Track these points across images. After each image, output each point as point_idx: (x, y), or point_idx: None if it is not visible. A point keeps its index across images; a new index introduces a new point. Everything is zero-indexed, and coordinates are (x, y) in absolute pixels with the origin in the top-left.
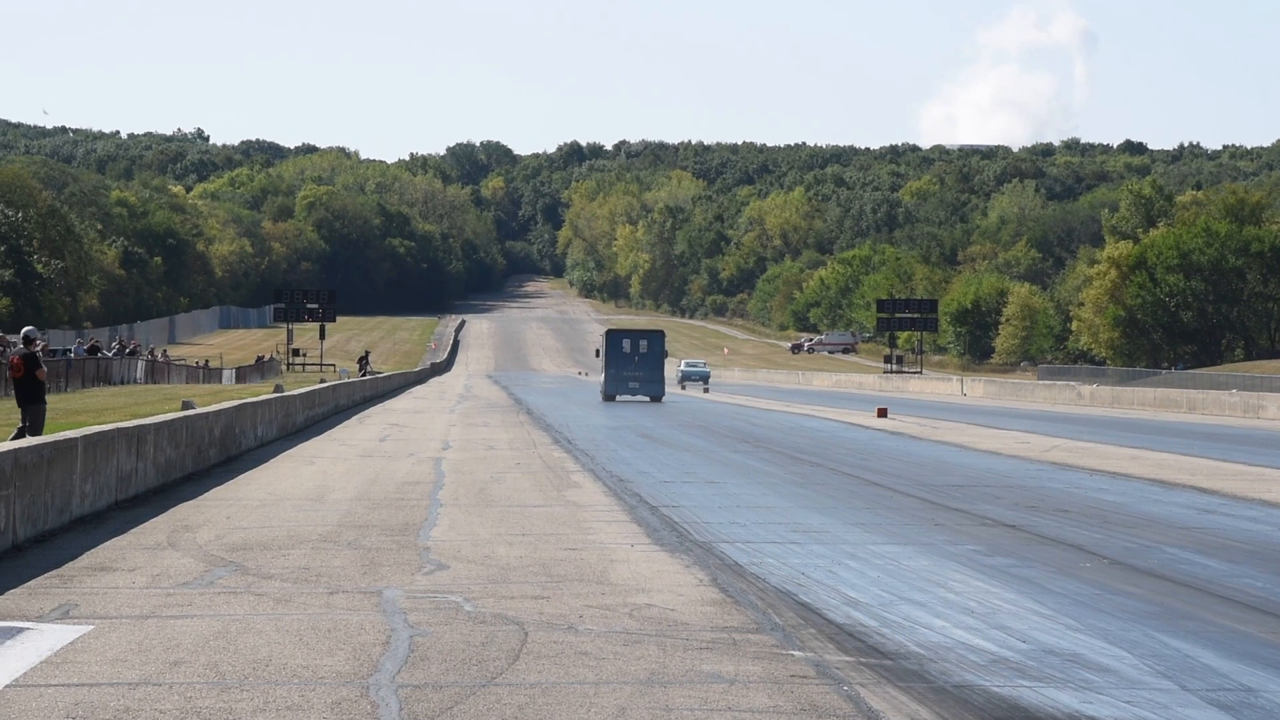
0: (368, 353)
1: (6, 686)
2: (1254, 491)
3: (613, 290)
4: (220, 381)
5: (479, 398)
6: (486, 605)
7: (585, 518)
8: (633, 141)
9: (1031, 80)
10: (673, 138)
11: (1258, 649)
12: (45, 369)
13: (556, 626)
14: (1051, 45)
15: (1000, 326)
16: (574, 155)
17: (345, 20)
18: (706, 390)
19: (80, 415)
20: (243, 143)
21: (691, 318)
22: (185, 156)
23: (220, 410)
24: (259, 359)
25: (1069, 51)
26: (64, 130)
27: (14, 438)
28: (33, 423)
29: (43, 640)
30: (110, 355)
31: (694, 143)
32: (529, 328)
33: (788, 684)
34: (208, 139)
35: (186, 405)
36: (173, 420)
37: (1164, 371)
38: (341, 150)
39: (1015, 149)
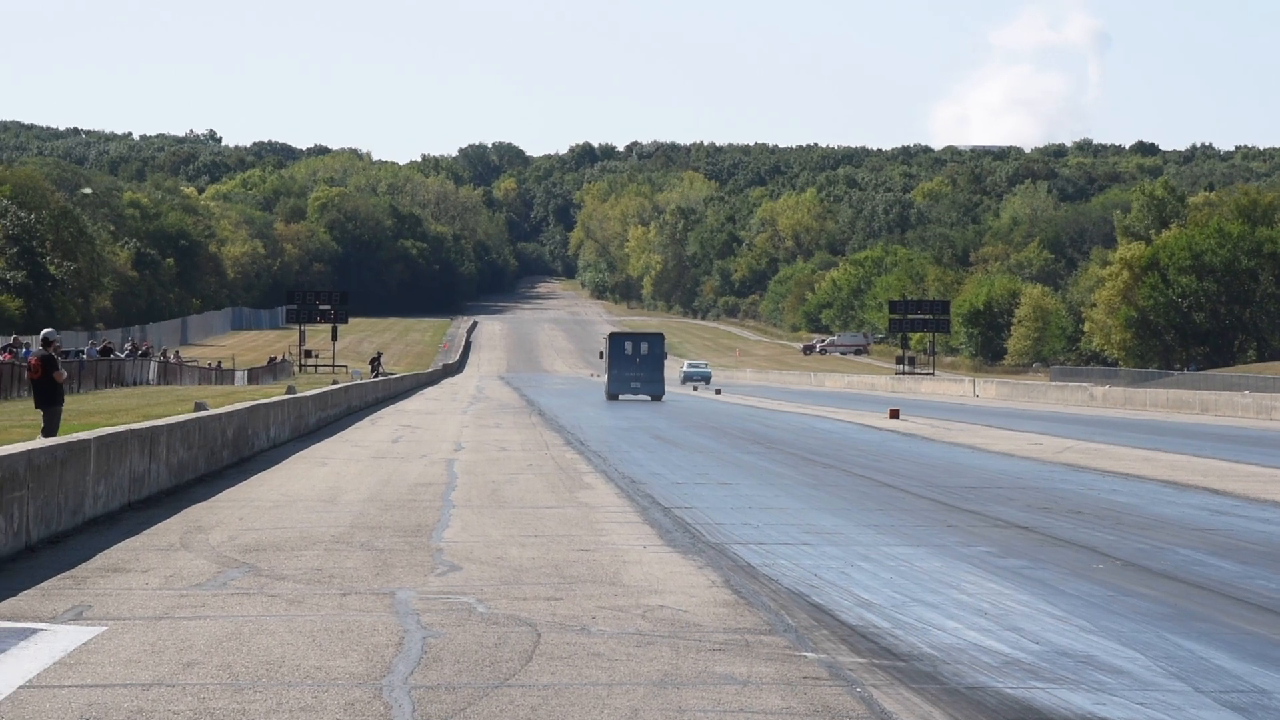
0: (380, 354)
1: (20, 688)
2: (1267, 493)
3: (625, 291)
4: (232, 383)
5: (491, 399)
6: (499, 606)
7: (598, 519)
8: (645, 143)
9: (1044, 81)
10: (685, 139)
11: (1271, 650)
12: (64, 372)
13: (569, 628)
14: (1064, 46)
15: (1012, 328)
16: (586, 156)
17: (357, 22)
18: (718, 392)
19: (93, 416)
20: (255, 144)
21: (703, 319)
22: (198, 158)
23: (233, 411)
24: (271, 360)
25: (1081, 52)
26: (76, 132)
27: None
28: (47, 424)
29: (56, 641)
30: (123, 357)
31: (706, 144)
32: (541, 329)
33: (801, 685)
34: (220, 140)
35: (199, 406)
36: (185, 421)
37: (1176, 373)
38: (354, 151)
39: (1027, 150)
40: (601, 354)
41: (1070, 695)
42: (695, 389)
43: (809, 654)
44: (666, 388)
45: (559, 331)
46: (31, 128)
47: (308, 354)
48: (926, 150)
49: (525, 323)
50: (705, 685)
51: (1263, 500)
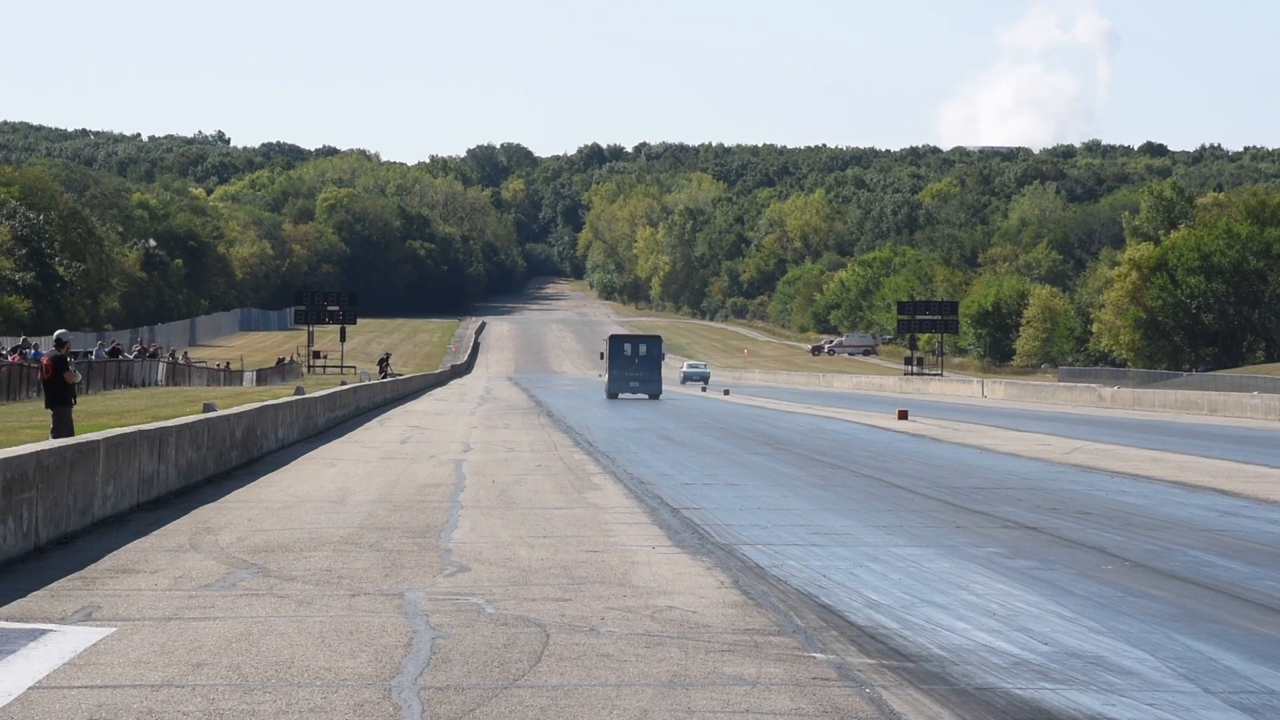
0: (388, 355)
1: (30, 688)
2: (1276, 494)
3: (633, 292)
4: (241, 384)
5: (499, 400)
6: (508, 607)
7: (606, 520)
8: (653, 143)
9: (1053, 82)
10: (693, 140)
11: None
12: (76, 373)
13: (578, 629)
14: (1073, 46)
15: (1021, 328)
16: (594, 157)
17: (365, 23)
18: (726, 392)
19: (102, 417)
20: (263, 145)
21: (712, 320)
22: (206, 159)
23: (242, 412)
24: (280, 361)
25: (1091, 52)
26: (85, 133)
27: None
28: (57, 425)
29: (65, 642)
30: (131, 358)
31: (714, 145)
32: (549, 330)
33: (810, 686)
34: (228, 141)
35: (208, 407)
36: (194, 422)
37: (1185, 373)
38: (362, 152)
39: (1036, 150)
40: (602, 355)
41: (1079, 696)
42: (703, 389)
43: (818, 655)
44: (670, 388)
45: (567, 332)
46: (40, 129)
47: (316, 355)
48: (935, 151)
49: (533, 324)
50: (714, 686)
51: (1271, 501)
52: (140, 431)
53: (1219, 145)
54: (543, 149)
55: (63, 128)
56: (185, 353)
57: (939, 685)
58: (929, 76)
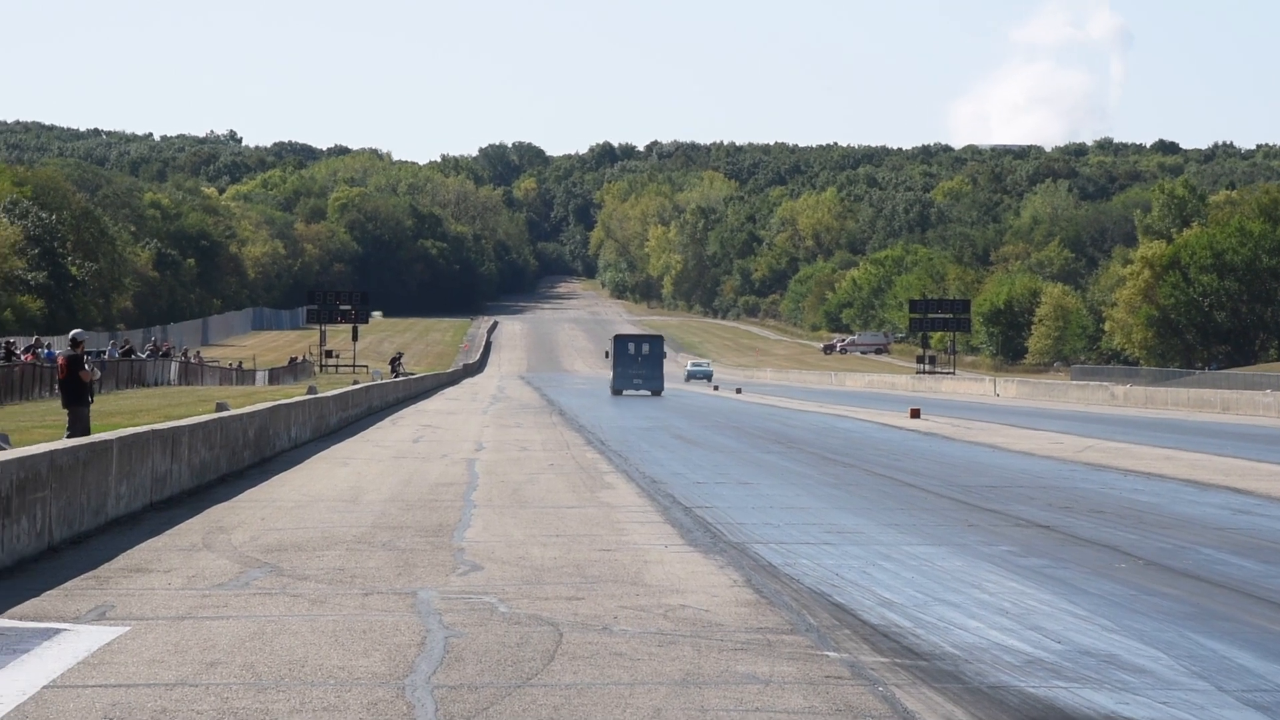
0: (400, 354)
1: (44, 688)
2: None
3: (645, 291)
4: (253, 383)
5: (511, 399)
6: (521, 606)
7: (619, 519)
8: (664, 142)
9: (1065, 79)
10: (704, 138)
11: None
12: (92, 371)
13: (591, 627)
14: (1086, 43)
15: (1033, 327)
16: (606, 156)
17: (377, 22)
18: (738, 391)
19: (115, 417)
20: (275, 144)
21: (724, 318)
22: (218, 158)
23: (254, 412)
24: (292, 360)
25: (1103, 50)
26: (97, 133)
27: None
28: (72, 425)
29: (80, 641)
30: (144, 357)
31: (726, 143)
32: (561, 329)
33: (823, 685)
34: (240, 141)
35: (220, 407)
36: (207, 422)
37: (1198, 372)
38: (374, 152)
39: (1048, 148)
40: (607, 354)
41: (1093, 695)
42: (715, 388)
43: (831, 653)
44: (681, 386)
45: (579, 331)
46: (52, 128)
47: (328, 354)
48: (947, 149)
49: (545, 323)
50: (727, 685)
51: None
52: (153, 431)
53: (1231, 143)
54: (554, 148)
55: (75, 127)
56: (198, 352)
57: (952, 684)
58: (940, 74)
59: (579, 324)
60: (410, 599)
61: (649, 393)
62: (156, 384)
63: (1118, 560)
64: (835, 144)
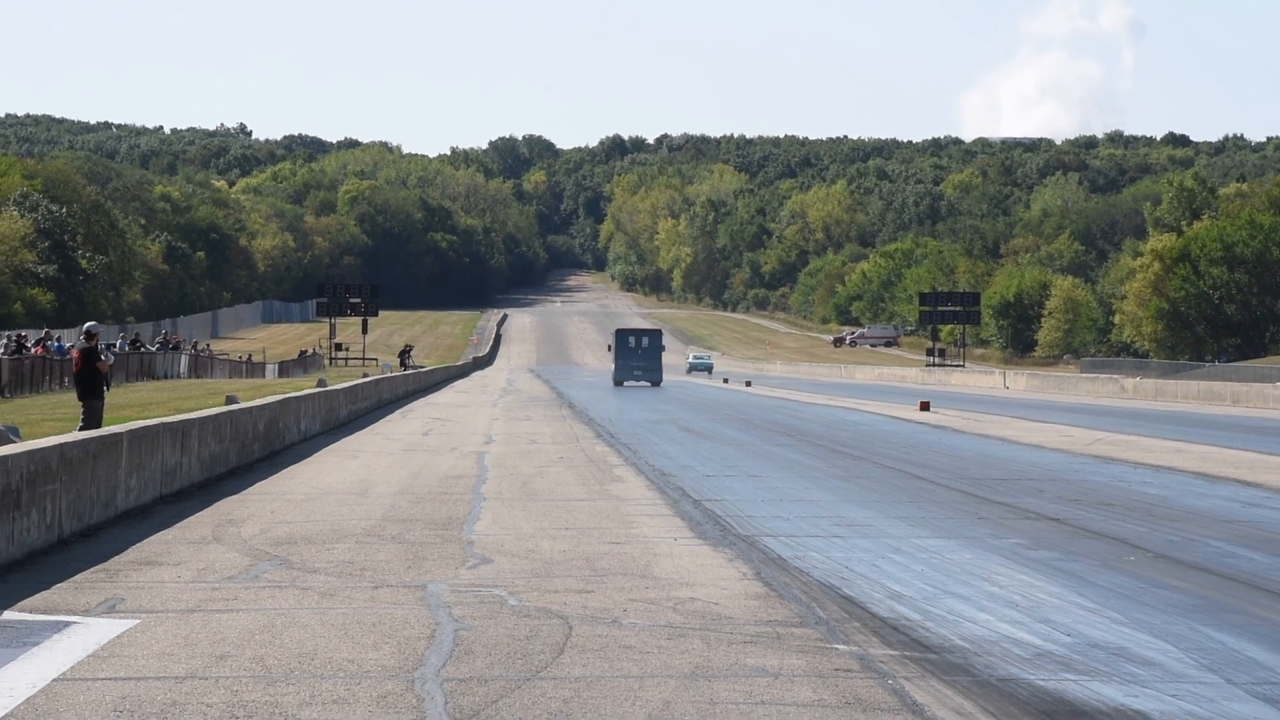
0: (408, 346)
1: (54, 681)
2: None
3: (654, 284)
4: (263, 376)
5: (521, 391)
6: (530, 599)
7: (628, 511)
8: (674, 135)
9: (1075, 71)
10: (714, 131)
11: None
12: (107, 361)
13: (600, 620)
14: (1097, 35)
15: (1043, 319)
16: (616, 149)
17: (387, 15)
18: (748, 384)
19: (125, 410)
20: (285, 137)
21: (733, 311)
22: (228, 151)
23: (264, 405)
24: (302, 353)
25: (1114, 41)
26: (108, 126)
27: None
28: (86, 418)
29: (89, 634)
30: (153, 350)
31: (736, 136)
32: (571, 322)
33: (832, 678)
34: (250, 134)
35: (230, 400)
36: (217, 415)
37: (1208, 364)
38: (384, 145)
39: (1058, 141)
40: (609, 347)
41: (1102, 687)
42: (725, 381)
43: (840, 646)
44: (681, 377)
45: (589, 324)
46: (63, 121)
47: (338, 347)
48: (957, 142)
49: (555, 315)
50: (737, 677)
51: None
52: (163, 424)
53: (1242, 135)
54: (564, 141)
55: (85, 120)
56: (208, 345)
57: (961, 676)
58: (951, 67)
59: (589, 317)
60: (420, 592)
61: (648, 384)
62: (166, 377)
63: (1127, 553)
64: (845, 137)
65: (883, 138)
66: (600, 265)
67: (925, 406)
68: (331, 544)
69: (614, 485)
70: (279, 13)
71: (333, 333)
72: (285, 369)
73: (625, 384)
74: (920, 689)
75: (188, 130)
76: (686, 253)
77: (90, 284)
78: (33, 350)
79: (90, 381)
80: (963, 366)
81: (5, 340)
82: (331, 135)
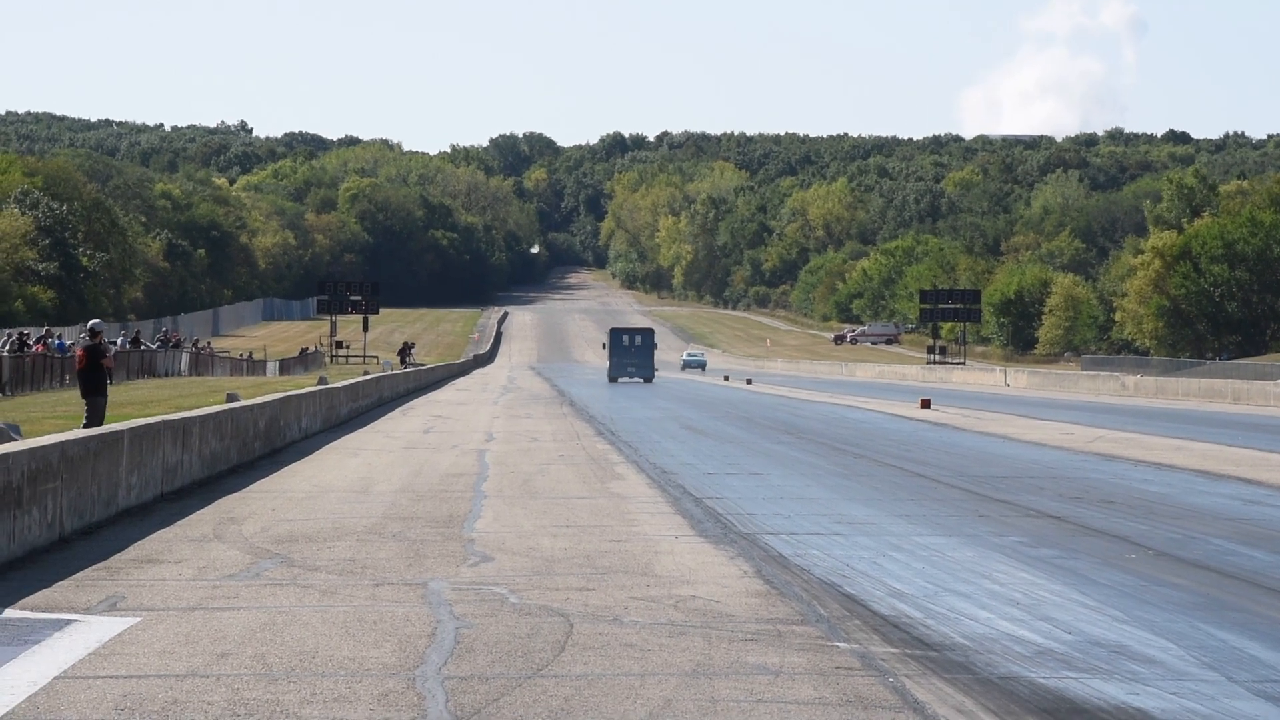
0: (409, 344)
1: (55, 678)
2: None
3: (655, 281)
4: (264, 373)
5: (522, 389)
6: (531, 597)
7: (629, 509)
8: (675, 133)
9: (1076, 68)
10: (715, 129)
11: None
12: (111, 357)
13: (601, 618)
14: (1098, 32)
15: (1044, 317)
16: (616, 146)
17: (387, 12)
18: (749, 381)
19: (126, 408)
20: (286, 135)
21: (734, 309)
22: (229, 149)
23: (265, 403)
24: (303, 351)
25: (1115, 39)
26: (108, 123)
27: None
28: (90, 416)
29: (90, 632)
30: (155, 348)
31: (736, 134)
32: (572, 319)
33: (833, 675)
34: (251, 131)
35: (231, 398)
36: (218, 413)
37: (1208, 362)
38: (384, 142)
39: (1059, 138)
40: (604, 345)
41: (1103, 685)
42: (726, 378)
43: (841, 644)
44: (676, 374)
45: (590, 322)
46: (63, 119)
47: (339, 345)
48: (957, 140)
49: (556, 313)
50: (738, 675)
51: None
52: (164, 422)
53: (1242, 133)
54: (565, 138)
55: (86, 118)
56: (208, 343)
57: (962, 674)
58: (951, 64)
59: (589, 314)
60: (421, 590)
61: (641, 380)
62: (167, 375)
63: (1128, 551)
64: (846, 134)
65: (883, 135)
66: (601, 263)
67: (926, 404)
68: (332, 542)
69: (615, 483)
70: (280, 10)
71: (333, 330)
72: (286, 367)
73: (619, 380)
74: (921, 687)
75: (188, 128)
76: (687, 250)
77: (91, 282)
78: (34, 348)
79: (95, 379)
80: (963, 364)
81: (6, 338)
82: (332, 133)
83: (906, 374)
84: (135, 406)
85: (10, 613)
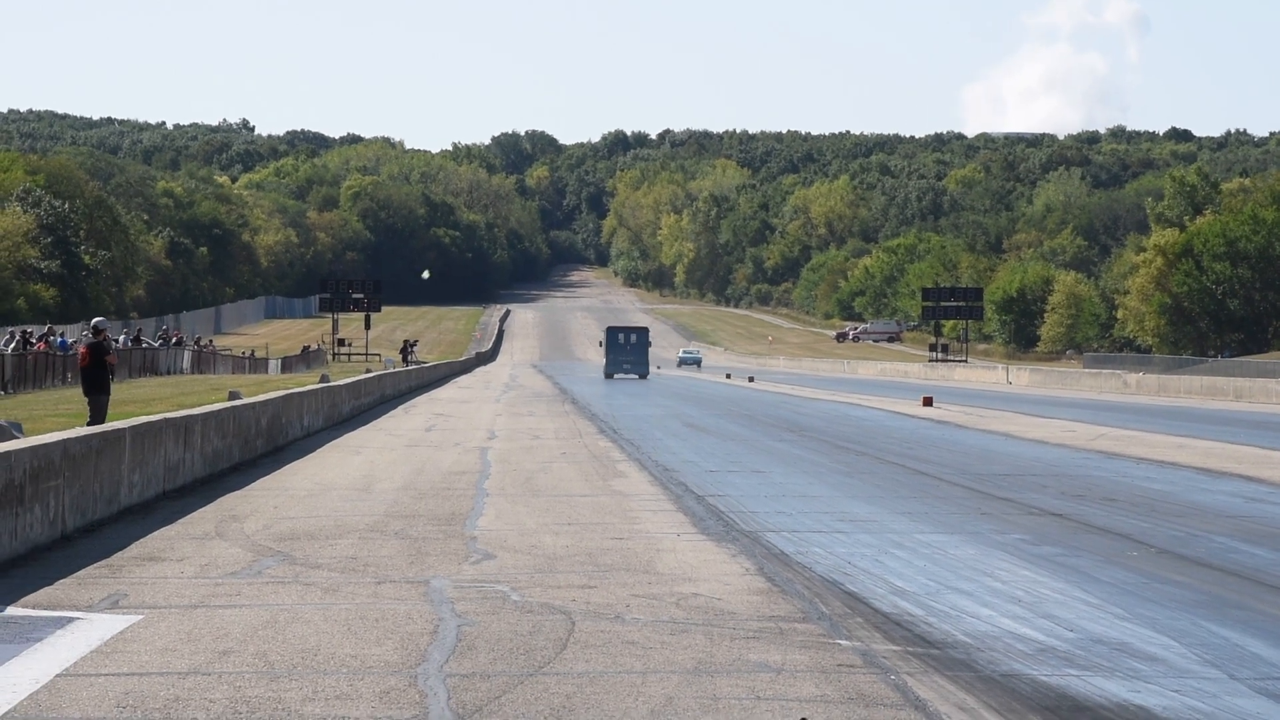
0: (411, 342)
1: (57, 676)
2: None
3: (657, 279)
4: (266, 371)
5: (524, 387)
6: (533, 595)
7: (631, 507)
8: (677, 130)
9: (1079, 66)
10: (717, 126)
11: None
12: (114, 354)
13: (603, 616)
14: (1101, 30)
15: (1046, 315)
16: (619, 144)
17: (390, 11)
18: (751, 379)
19: (128, 406)
20: (288, 133)
21: (736, 306)
22: (231, 147)
23: (267, 400)
24: (305, 349)
25: (1117, 36)
26: (110, 121)
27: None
28: (93, 413)
29: (93, 630)
30: (156, 346)
31: (738, 131)
32: (574, 317)
33: (835, 673)
34: (253, 129)
35: (233, 395)
36: (220, 410)
37: (1210, 359)
38: (386, 140)
39: (1061, 136)
40: (600, 343)
41: (1105, 683)
42: (728, 376)
43: (843, 642)
44: (673, 371)
45: (592, 320)
46: (65, 117)
47: (341, 343)
48: (959, 137)
49: (558, 311)
50: (739, 673)
51: None
52: (166, 420)
53: (1244, 130)
54: (567, 136)
55: (88, 116)
56: (210, 340)
57: (964, 672)
58: (953, 61)
59: (591, 312)
60: (423, 588)
61: (636, 376)
62: (169, 373)
63: (1130, 548)
64: (848, 132)
65: (885, 133)
66: (603, 261)
67: (928, 402)
68: (334, 540)
69: (617, 481)
70: (281, 9)
71: (335, 328)
72: (288, 365)
73: (615, 376)
74: (923, 684)
75: (190, 126)
76: (689, 248)
77: (93, 280)
78: (36, 346)
79: (98, 377)
80: (965, 362)
81: (10, 336)
82: (334, 131)
83: (908, 372)
84: (137, 404)
85: (12, 610)
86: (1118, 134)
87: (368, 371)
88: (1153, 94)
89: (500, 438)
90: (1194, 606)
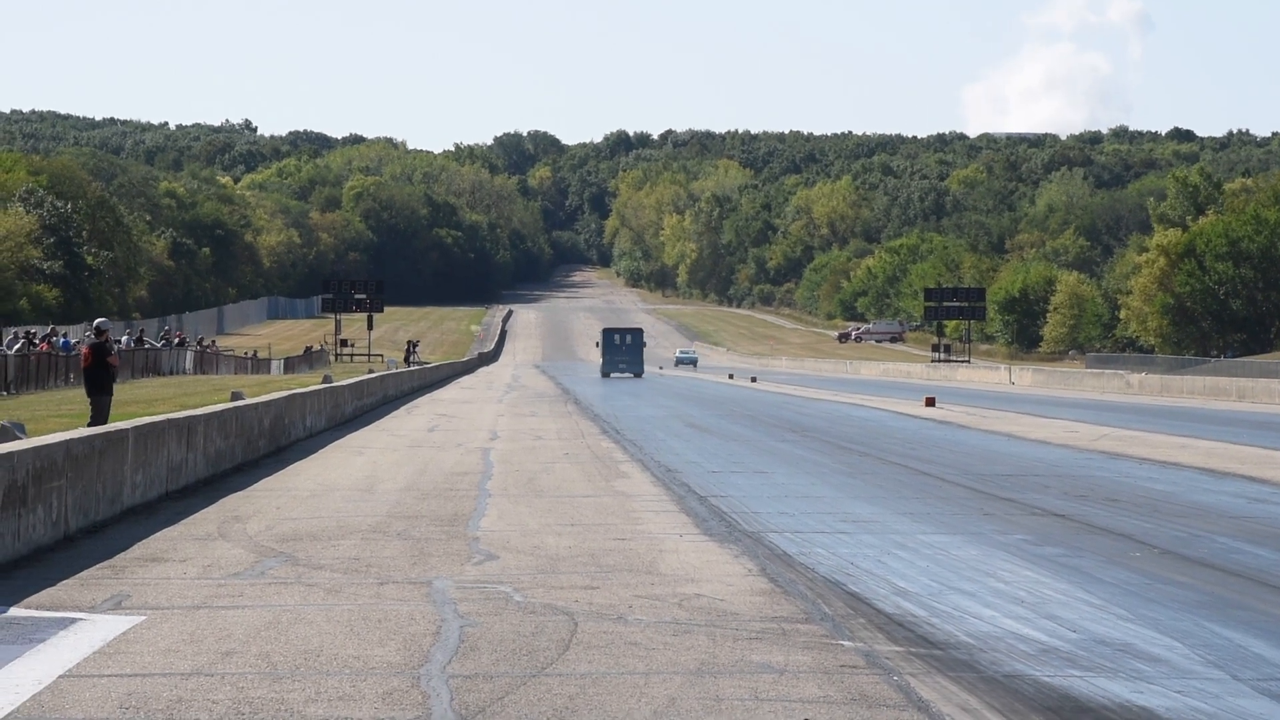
0: (414, 342)
1: (60, 677)
2: None
3: (659, 280)
4: (268, 372)
5: (526, 387)
6: (536, 595)
7: (634, 508)
8: (679, 131)
9: (1081, 66)
10: (719, 127)
11: None
12: (116, 355)
13: (606, 617)
14: (1104, 29)
15: (1048, 315)
16: (621, 145)
17: (392, 11)
18: (753, 380)
19: (130, 406)
20: (290, 133)
21: (738, 307)
22: (233, 147)
23: (270, 401)
24: (307, 349)
25: (1120, 36)
26: (113, 122)
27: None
28: (95, 414)
29: (95, 631)
30: (159, 346)
31: (741, 132)
32: (576, 318)
33: (837, 674)
34: (255, 130)
35: (236, 396)
36: (222, 411)
37: (1213, 359)
38: (389, 141)
39: (1063, 136)
40: (597, 344)
41: (1108, 684)
42: (731, 376)
43: (846, 642)
44: (670, 370)
45: (594, 320)
46: (68, 118)
47: (343, 343)
48: (962, 138)
49: (560, 311)
50: (742, 674)
51: None
52: (169, 420)
53: (1247, 130)
54: (569, 137)
55: (91, 117)
56: (213, 341)
57: (967, 673)
58: (955, 62)
59: (594, 313)
60: (425, 588)
61: (631, 374)
62: (172, 373)
63: (1133, 549)
64: (850, 132)
65: (887, 133)
66: (605, 261)
67: (930, 402)
68: (337, 540)
69: (619, 481)
70: (284, 9)
71: (338, 329)
72: (291, 365)
73: (611, 375)
74: (926, 685)
75: (193, 126)
76: (691, 248)
77: (95, 280)
78: (39, 346)
79: (100, 377)
80: (968, 362)
81: (14, 337)
82: (336, 131)
83: (911, 372)
84: (140, 405)
85: (15, 611)
86: (1120, 134)
87: (370, 372)
88: (1155, 94)
89: (503, 438)
90: (1197, 607)
